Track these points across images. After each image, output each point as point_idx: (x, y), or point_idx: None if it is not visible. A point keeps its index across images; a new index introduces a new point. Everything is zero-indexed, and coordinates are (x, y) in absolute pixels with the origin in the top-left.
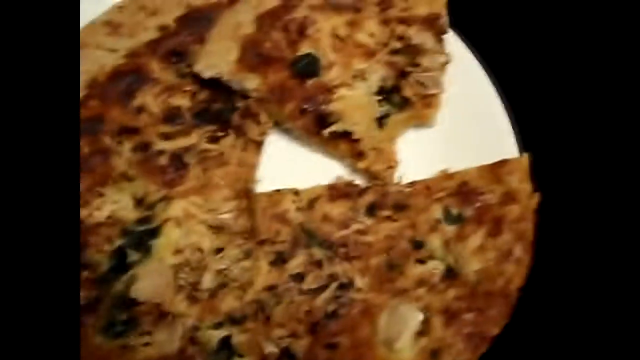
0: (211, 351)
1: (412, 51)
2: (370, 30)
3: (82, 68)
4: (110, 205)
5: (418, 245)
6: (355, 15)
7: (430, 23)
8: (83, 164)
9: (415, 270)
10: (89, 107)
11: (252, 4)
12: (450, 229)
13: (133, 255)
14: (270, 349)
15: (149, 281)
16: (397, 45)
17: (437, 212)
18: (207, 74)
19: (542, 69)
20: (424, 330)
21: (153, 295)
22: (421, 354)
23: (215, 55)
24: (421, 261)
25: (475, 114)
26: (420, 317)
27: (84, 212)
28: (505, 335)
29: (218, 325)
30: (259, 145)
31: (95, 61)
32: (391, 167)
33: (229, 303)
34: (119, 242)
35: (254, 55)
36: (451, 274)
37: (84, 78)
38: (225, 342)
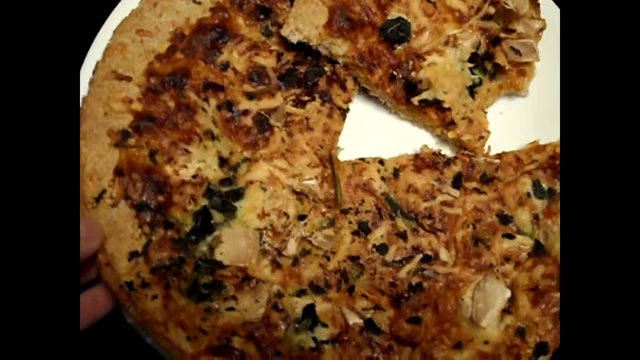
0: (295, 319)
1: (507, 16)
2: None
3: (166, 19)
4: (196, 164)
5: (506, 219)
6: None
7: None
8: (168, 119)
9: (502, 245)
10: (174, 60)
11: None
12: (539, 204)
13: (217, 217)
14: (355, 320)
15: (234, 244)
16: (491, 10)
17: (526, 185)
18: (294, 38)
19: None
20: (510, 308)
21: (238, 259)
22: (507, 332)
23: (303, 18)
24: (509, 236)
25: None
26: (508, 294)
27: (168, 169)
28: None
29: (301, 293)
30: (344, 112)
31: (180, 12)
32: (482, 137)
33: (312, 271)
34: (203, 203)
35: (342, 19)
36: (540, 251)
37: (168, 29)
38: (309, 310)
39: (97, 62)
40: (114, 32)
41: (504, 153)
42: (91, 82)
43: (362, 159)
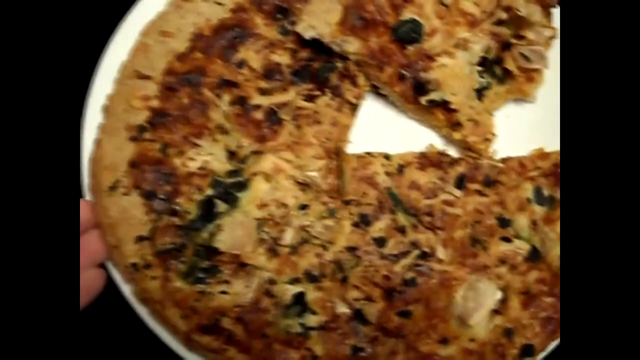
0: (284, 305)
1: (518, 23)
2: None
3: (188, 21)
4: (204, 157)
5: (505, 222)
6: None
7: None
8: (182, 114)
9: (499, 248)
10: (192, 59)
11: None
12: (539, 210)
13: (220, 206)
14: (343, 309)
15: (232, 232)
16: (503, 15)
17: (528, 191)
18: (308, 34)
19: None
20: (500, 309)
21: (234, 246)
22: (494, 332)
23: (318, 16)
24: (506, 239)
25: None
26: (499, 295)
27: (177, 162)
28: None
29: (294, 281)
30: (354, 107)
31: (202, 14)
32: (487, 139)
33: (308, 260)
34: (208, 192)
35: (356, 18)
36: (535, 256)
37: (189, 30)
38: (299, 298)
39: (123, 62)
40: (140, 33)
41: (508, 158)
42: (116, 81)
43: (369, 153)
